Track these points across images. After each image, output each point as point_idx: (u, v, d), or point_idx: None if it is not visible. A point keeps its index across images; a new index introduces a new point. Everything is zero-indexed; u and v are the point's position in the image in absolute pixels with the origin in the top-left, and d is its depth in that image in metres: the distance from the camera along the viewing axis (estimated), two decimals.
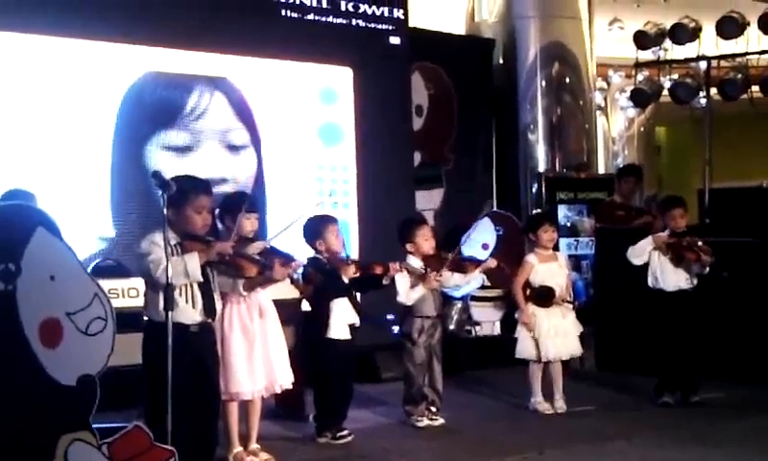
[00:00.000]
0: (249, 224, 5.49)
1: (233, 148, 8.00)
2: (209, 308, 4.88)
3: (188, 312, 4.78)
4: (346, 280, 5.97)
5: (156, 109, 7.59)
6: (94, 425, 3.92)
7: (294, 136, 8.29)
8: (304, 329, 6.28)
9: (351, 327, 6.09)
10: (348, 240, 7.88)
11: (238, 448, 5.49)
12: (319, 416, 6.10)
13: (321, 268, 5.91)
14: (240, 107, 8.06)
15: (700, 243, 6.88)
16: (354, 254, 7.92)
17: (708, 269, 6.92)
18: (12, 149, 6.85)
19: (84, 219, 7.08)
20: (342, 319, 6.02)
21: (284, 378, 5.59)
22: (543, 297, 6.87)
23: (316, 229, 6.06)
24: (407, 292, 6.35)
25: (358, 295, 6.27)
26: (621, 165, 14.32)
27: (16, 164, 6.80)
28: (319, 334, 5.99)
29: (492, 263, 6.73)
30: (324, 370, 6.04)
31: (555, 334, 6.85)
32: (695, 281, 6.95)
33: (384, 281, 6.15)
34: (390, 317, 6.95)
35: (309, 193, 8.29)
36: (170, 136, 7.65)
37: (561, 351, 6.88)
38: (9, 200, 5.41)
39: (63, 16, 7.01)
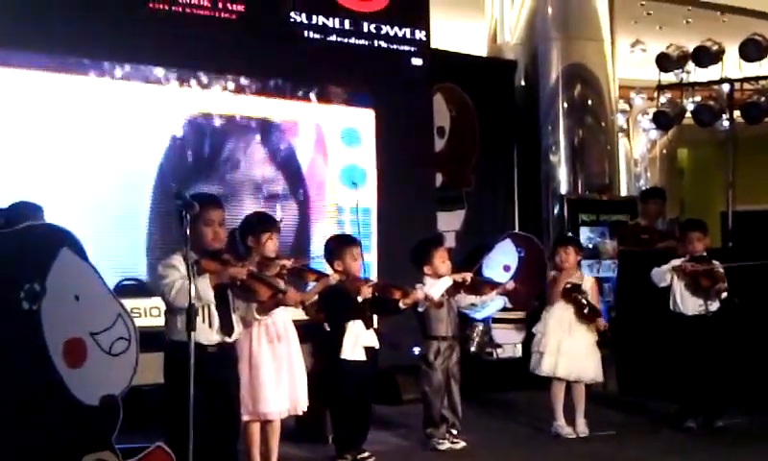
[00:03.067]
0: (271, 244, 5.47)
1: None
2: (227, 328, 4.87)
3: (205, 332, 4.76)
4: (360, 300, 5.94)
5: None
6: (117, 446, 3.93)
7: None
8: (321, 350, 6.27)
9: (370, 349, 6.06)
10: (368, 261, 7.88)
11: None
12: (337, 437, 6.09)
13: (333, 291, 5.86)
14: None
15: (720, 268, 6.83)
16: (375, 274, 7.92)
17: (723, 295, 6.88)
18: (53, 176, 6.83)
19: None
20: (356, 340, 5.99)
21: (304, 400, 5.60)
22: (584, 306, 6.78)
23: (336, 249, 6.06)
24: (431, 285, 6.31)
25: (375, 318, 6.25)
26: (644, 187, 14.27)
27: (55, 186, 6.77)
28: (333, 355, 5.98)
29: (510, 286, 6.70)
30: (338, 390, 6.02)
31: (557, 351, 6.74)
32: (715, 306, 6.90)
33: (401, 306, 6.12)
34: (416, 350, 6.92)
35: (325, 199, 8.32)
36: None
37: (572, 371, 6.77)
38: (16, 211, 5.38)
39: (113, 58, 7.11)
